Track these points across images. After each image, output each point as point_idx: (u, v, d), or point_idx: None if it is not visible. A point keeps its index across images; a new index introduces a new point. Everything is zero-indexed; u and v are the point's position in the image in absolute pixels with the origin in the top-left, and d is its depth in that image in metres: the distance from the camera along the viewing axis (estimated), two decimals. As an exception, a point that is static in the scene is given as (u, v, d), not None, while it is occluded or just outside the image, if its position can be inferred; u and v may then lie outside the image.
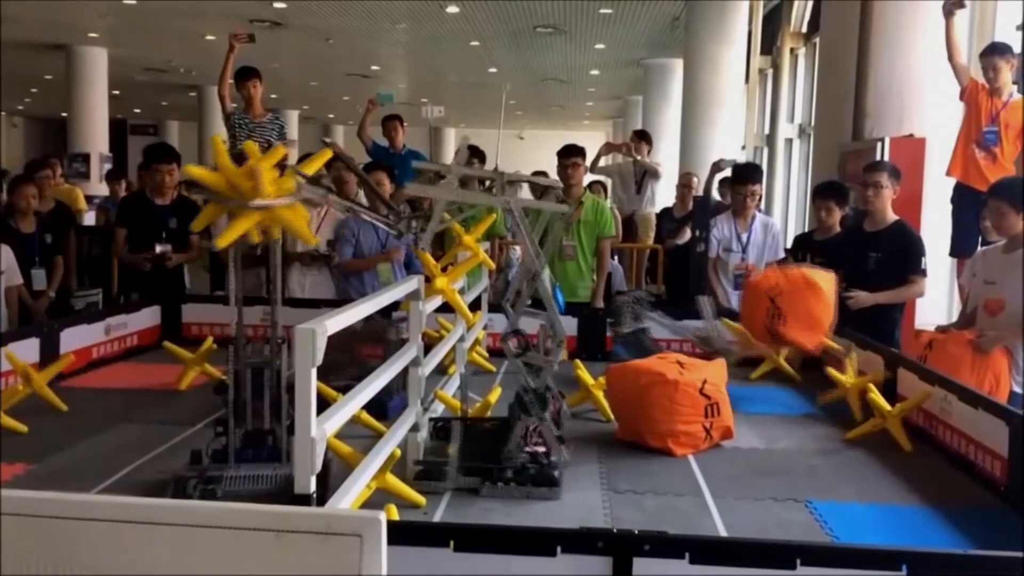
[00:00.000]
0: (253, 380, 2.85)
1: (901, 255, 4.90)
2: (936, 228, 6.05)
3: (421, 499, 2.72)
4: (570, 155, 6.02)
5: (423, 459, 3.01)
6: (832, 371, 4.05)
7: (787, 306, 4.10)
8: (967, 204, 5.83)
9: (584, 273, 6.00)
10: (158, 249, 5.75)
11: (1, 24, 13.32)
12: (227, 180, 2.42)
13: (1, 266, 5.43)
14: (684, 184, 8.43)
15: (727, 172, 6.24)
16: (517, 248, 6.22)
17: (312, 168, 2.78)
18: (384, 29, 14.55)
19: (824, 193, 5.60)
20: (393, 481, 2.67)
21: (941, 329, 4.56)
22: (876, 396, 3.60)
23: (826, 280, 4.20)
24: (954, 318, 5.17)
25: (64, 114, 18.09)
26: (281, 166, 2.58)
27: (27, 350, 3.98)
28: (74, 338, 4.40)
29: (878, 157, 6.15)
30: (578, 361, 4.02)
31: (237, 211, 2.42)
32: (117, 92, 19.74)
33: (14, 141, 29.94)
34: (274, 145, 6.77)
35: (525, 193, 4.47)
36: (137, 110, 27.61)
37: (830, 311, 4.16)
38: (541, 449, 2.97)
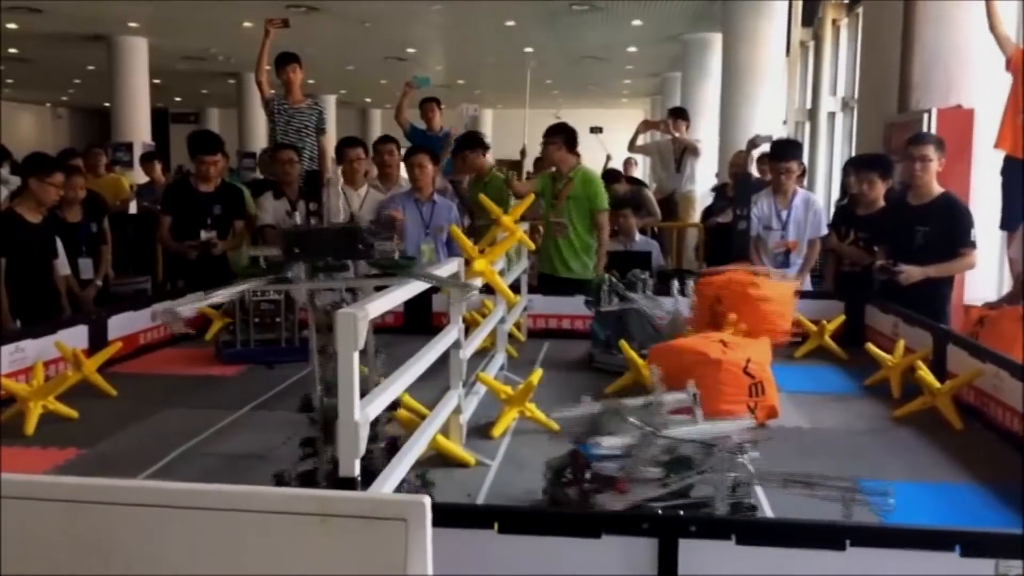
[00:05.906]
0: None
1: (949, 228, 4.79)
2: (986, 201, 5.91)
3: (471, 458, 2.85)
4: (550, 134, 6.04)
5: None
6: (873, 349, 3.98)
7: (730, 307, 4.02)
8: (1017, 176, 5.68)
9: (577, 250, 5.96)
10: (203, 236, 5.76)
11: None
12: None
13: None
14: (736, 163, 8.32)
15: (765, 148, 6.13)
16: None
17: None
18: (419, 11, 14.51)
19: (867, 165, 5.50)
20: (443, 441, 2.81)
21: (989, 305, 4.47)
22: (925, 373, 3.53)
23: (771, 287, 4.15)
24: (1005, 292, 5.06)
25: (107, 104, 18.31)
26: None
27: (76, 337, 4.05)
28: (122, 325, 4.47)
29: (925, 129, 6.02)
30: (623, 343, 3.98)
31: None
32: (158, 81, 19.92)
33: (59, 132, 30.43)
34: (312, 130, 6.85)
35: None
36: (178, 98, 27.87)
37: (779, 317, 4.10)
38: None
